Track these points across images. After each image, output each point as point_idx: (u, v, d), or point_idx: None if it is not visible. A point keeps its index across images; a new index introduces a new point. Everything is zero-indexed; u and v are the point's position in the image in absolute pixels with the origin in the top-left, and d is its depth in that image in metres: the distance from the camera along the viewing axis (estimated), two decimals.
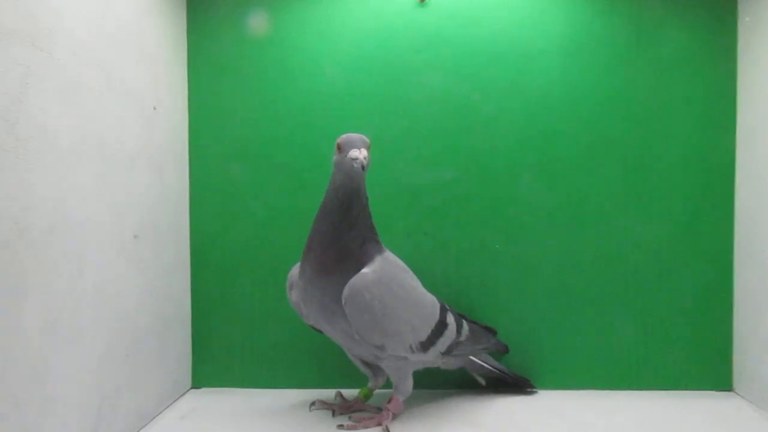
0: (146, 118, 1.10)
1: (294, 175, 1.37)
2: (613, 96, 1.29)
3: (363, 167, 0.92)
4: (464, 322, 1.18)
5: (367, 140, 1.00)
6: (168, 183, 1.21)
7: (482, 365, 1.20)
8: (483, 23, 1.29)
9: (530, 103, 1.32)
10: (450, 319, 1.11)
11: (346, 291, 0.94)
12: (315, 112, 1.36)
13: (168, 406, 1.15)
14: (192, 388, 1.29)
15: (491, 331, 1.25)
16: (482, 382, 1.23)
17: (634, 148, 1.29)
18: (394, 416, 1.02)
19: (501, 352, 1.25)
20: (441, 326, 1.07)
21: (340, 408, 1.08)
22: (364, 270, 0.95)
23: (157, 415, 1.10)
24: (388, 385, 1.12)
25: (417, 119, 1.35)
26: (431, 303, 1.08)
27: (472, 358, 1.19)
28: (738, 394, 1.17)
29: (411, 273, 1.06)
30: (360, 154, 0.93)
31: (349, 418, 1.03)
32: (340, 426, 0.98)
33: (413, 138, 1.36)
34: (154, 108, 1.11)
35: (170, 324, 1.20)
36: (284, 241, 1.37)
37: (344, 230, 0.97)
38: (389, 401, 1.03)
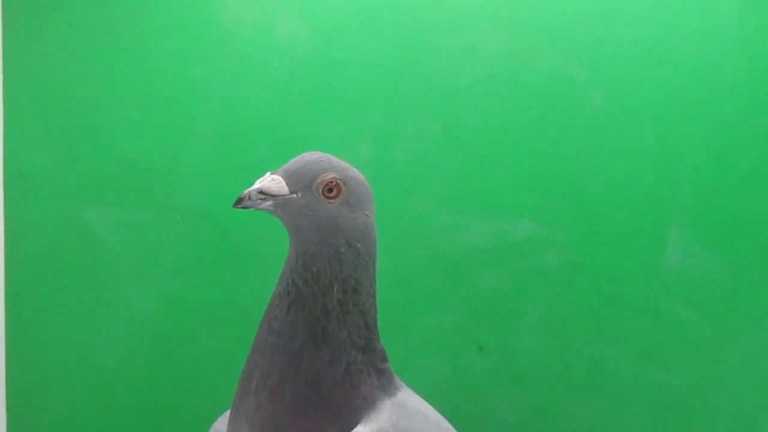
0: None
1: (215, 232, 1.31)
2: None
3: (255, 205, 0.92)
4: None
5: (329, 169, 0.94)
6: None
7: None
8: None
9: (685, 94, 1.24)
10: None
11: None
12: (255, 115, 1.30)
13: None
14: None
15: None
16: None
17: None
18: None
19: None
20: None
21: None
22: (359, 429, 0.91)
23: None
24: None
25: (459, 122, 1.28)
26: None
27: None
28: None
29: (451, 430, 1.01)
30: (258, 183, 0.93)
31: None
32: None
33: (454, 160, 1.28)
34: None
35: None
36: (194, 367, 1.30)
37: (307, 346, 0.92)
38: None
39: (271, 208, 0.92)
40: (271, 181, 0.93)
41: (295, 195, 0.92)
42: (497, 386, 1.31)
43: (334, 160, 0.95)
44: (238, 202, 0.91)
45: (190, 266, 1.34)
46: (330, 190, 0.93)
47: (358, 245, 0.95)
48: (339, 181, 0.94)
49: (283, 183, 0.93)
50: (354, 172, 0.96)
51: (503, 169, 1.31)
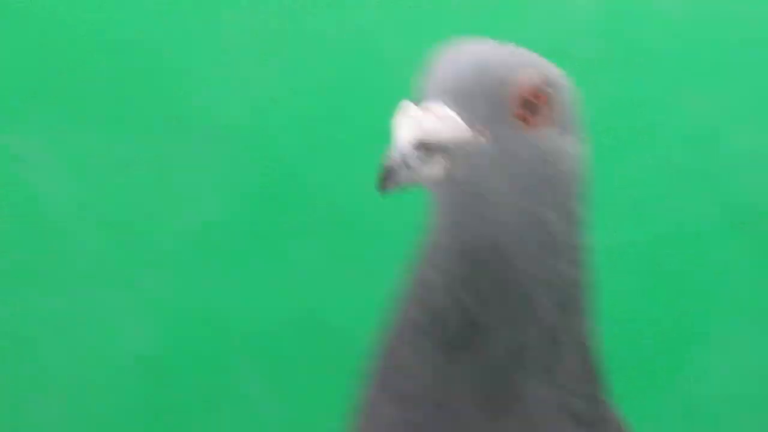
0: None
1: (263, 176, 0.99)
2: None
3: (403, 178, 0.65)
4: None
5: (527, 66, 0.69)
6: None
7: None
8: None
9: None
10: None
11: None
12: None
13: None
14: None
15: None
16: None
17: None
18: None
19: None
20: None
21: None
22: None
23: None
24: None
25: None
26: None
27: None
28: None
29: None
30: (405, 137, 0.67)
31: None
32: None
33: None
34: None
35: None
36: None
37: (479, 426, 0.67)
38: None
39: (443, 173, 0.57)
40: (437, 119, 0.57)
41: (479, 135, 0.57)
42: None
43: (522, 49, 0.62)
44: (389, 178, 0.55)
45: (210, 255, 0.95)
46: (533, 109, 0.59)
47: (577, 209, 0.61)
48: (547, 89, 0.60)
49: (457, 116, 0.58)
50: (555, 68, 0.62)
51: None
